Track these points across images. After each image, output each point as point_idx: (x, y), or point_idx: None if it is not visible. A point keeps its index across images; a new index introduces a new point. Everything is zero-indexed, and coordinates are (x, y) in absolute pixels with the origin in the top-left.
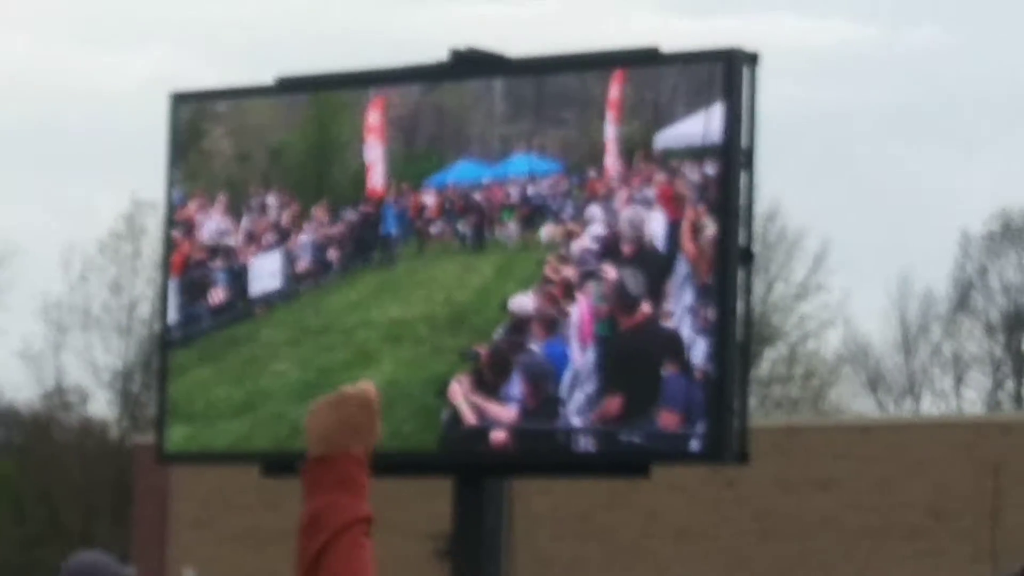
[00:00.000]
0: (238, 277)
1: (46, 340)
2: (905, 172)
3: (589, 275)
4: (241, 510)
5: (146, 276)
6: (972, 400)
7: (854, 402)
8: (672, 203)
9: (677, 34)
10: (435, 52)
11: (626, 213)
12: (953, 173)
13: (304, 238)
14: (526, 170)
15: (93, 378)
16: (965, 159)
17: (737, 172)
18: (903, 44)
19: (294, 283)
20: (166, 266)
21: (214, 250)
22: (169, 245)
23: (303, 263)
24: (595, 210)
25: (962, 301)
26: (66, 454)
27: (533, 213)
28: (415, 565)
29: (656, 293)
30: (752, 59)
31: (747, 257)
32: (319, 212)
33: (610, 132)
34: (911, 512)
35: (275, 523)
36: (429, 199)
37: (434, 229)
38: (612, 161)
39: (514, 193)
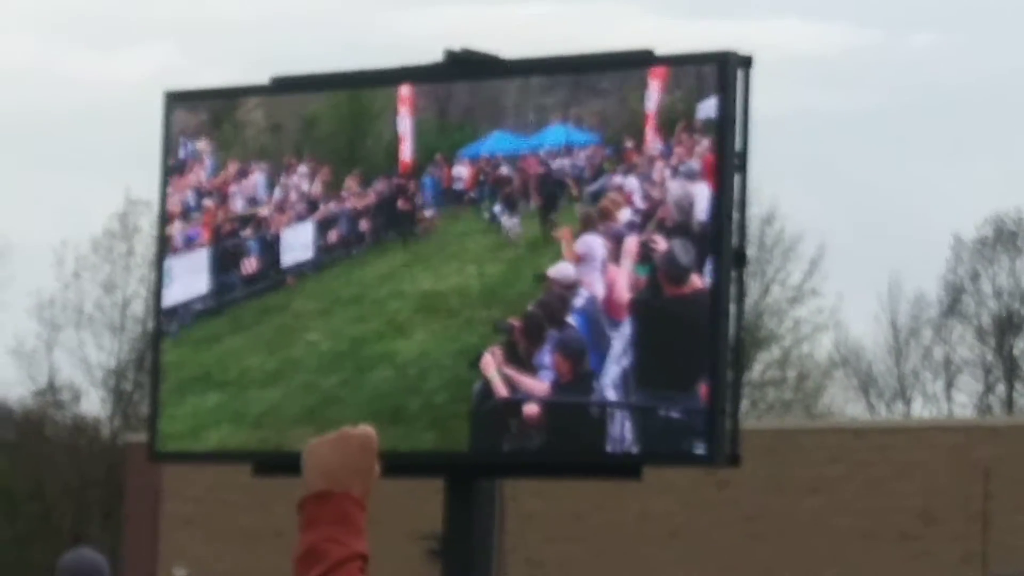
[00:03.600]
0: (270, 247)
1: (39, 338)
2: (900, 176)
3: (637, 245)
4: (232, 509)
5: (139, 275)
6: (963, 404)
7: (846, 405)
8: (715, 174)
9: (676, 37)
10: (431, 53)
11: (671, 185)
12: (946, 178)
13: (336, 208)
14: (563, 141)
15: (86, 376)
16: (958, 164)
17: (730, 174)
18: (902, 48)
19: (326, 253)
20: (159, 265)
21: (246, 220)
22: (163, 244)
23: (335, 234)
24: (633, 181)
25: (953, 305)
26: (58, 452)
27: (569, 185)
28: (407, 565)
29: (702, 265)
30: (746, 62)
31: (740, 259)
32: (351, 182)
33: (651, 102)
34: (901, 515)
35: (266, 522)
36: (463, 170)
37: (467, 200)
38: (652, 132)
39: (550, 164)
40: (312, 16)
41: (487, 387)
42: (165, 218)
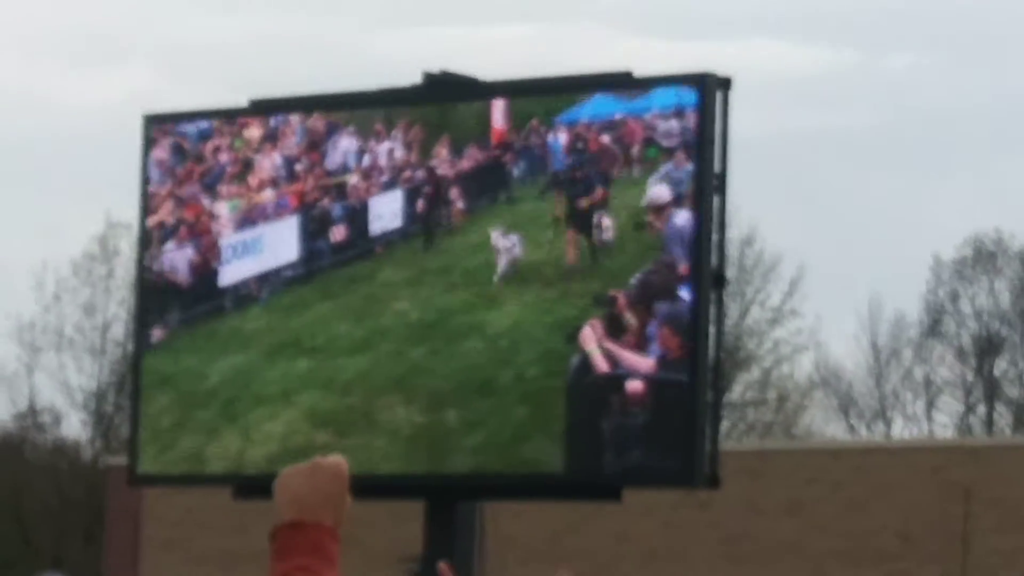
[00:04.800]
0: (359, 215)
1: (19, 361)
2: (879, 197)
3: None
4: (212, 532)
5: (119, 297)
6: (943, 424)
7: (826, 426)
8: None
9: (655, 58)
10: (412, 74)
11: None
12: (925, 198)
13: (426, 176)
14: (673, 103)
15: (66, 399)
16: (938, 185)
17: (709, 196)
18: (881, 70)
19: (415, 222)
20: (140, 287)
21: (336, 188)
22: (142, 266)
23: (424, 202)
24: None
25: (934, 326)
26: (39, 475)
27: (675, 148)
28: None
29: None
30: (725, 83)
31: (719, 281)
32: (442, 150)
33: None
34: (881, 536)
35: (246, 545)
36: (559, 136)
37: (562, 168)
38: None
39: (657, 127)
40: (291, 39)
41: (586, 362)
42: (145, 240)
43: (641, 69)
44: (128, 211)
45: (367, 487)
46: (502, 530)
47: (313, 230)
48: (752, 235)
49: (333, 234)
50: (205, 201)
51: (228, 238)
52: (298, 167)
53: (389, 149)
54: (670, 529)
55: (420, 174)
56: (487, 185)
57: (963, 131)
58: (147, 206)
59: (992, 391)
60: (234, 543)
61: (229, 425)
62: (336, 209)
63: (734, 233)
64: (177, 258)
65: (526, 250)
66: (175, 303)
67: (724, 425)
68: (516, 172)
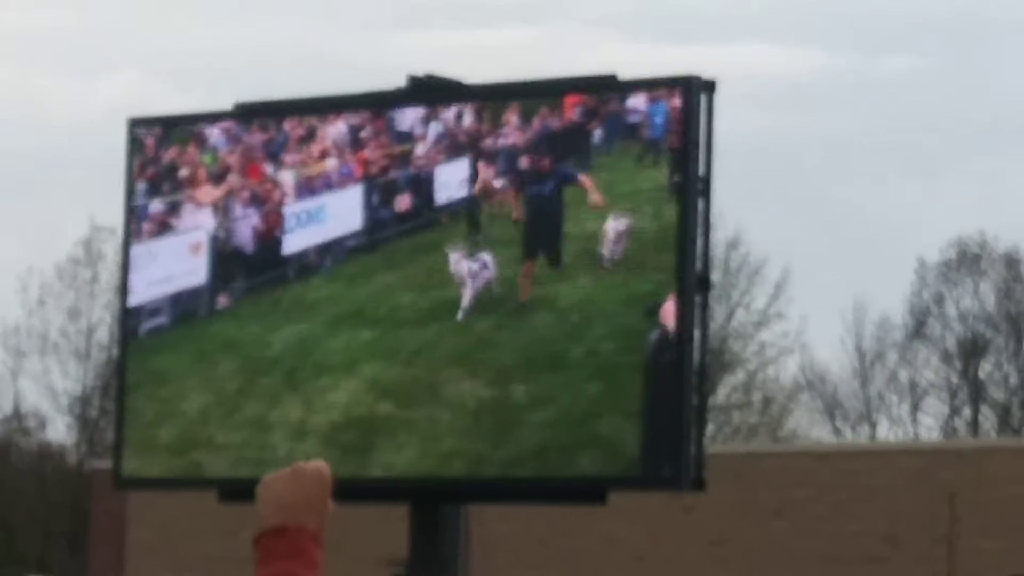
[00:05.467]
0: (424, 184)
1: (4, 365)
2: (865, 200)
3: None
4: (198, 536)
5: (104, 301)
6: (928, 427)
7: (811, 429)
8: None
9: (645, 62)
10: (398, 78)
11: None
12: (910, 201)
13: (494, 145)
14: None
15: (51, 403)
16: (922, 187)
17: (694, 199)
18: (870, 73)
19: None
20: (123, 291)
21: (401, 156)
22: (127, 270)
23: (492, 171)
24: None
25: (918, 328)
26: (24, 479)
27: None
28: None
29: None
30: (710, 86)
31: (704, 285)
32: (511, 117)
33: None
34: (867, 539)
35: (232, 550)
36: (639, 103)
37: (662, 136)
38: None
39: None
40: (281, 45)
41: (665, 338)
42: (129, 243)
43: (633, 72)
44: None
45: (350, 490)
46: (488, 533)
47: (377, 199)
48: (737, 238)
49: (398, 203)
50: (269, 169)
51: (291, 207)
52: (363, 134)
53: (457, 115)
54: (657, 532)
55: (489, 142)
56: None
57: (948, 134)
58: (132, 210)
59: (977, 393)
60: (220, 547)
61: (292, 393)
62: (401, 178)
63: (719, 236)
64: (241, 226)
65: (601, 219)
66: (240, 271)
67: (710, 428)
68: (596, 139)
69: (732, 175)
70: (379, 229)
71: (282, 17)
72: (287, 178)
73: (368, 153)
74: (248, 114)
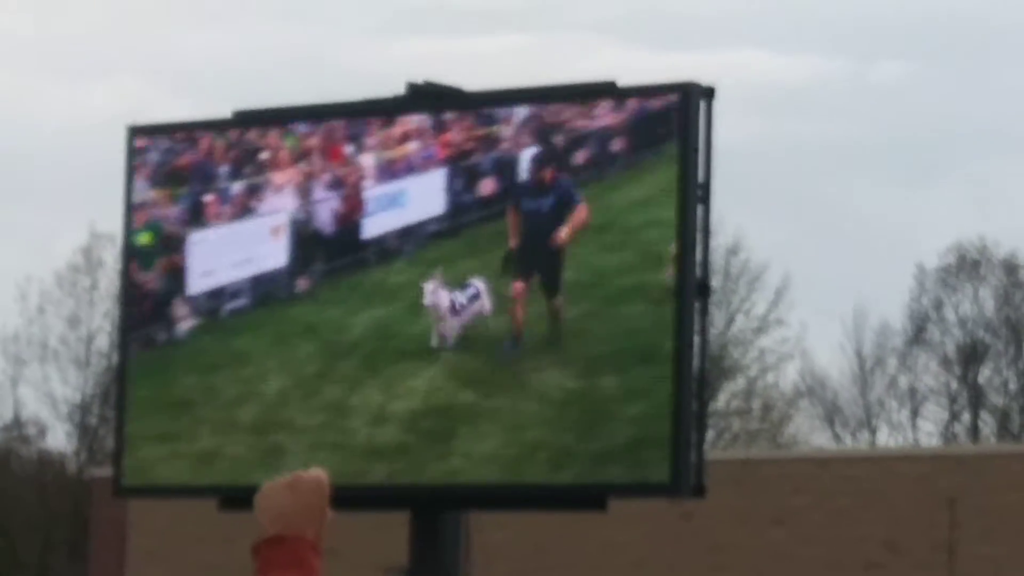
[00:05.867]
0: (508, 168)
1: (4, 373)
2: (863, 205)
3: None
4: (198, 543)
5: (103, 309)
6: (928, 432)
7: (812, 435)
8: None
9: (643, 69)
10: (398, 85)
11: None
12: (910, 206)
13: (584, 127)
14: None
15: (51, 411)
16: (921, 193)
17: (693, 205)
18: (868, 79)
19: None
20: (125, 298)
21: (485, 139)
22: (127, 277)
23: (583, 155)
24: None
25: (918, 334)
26: (24, 487)
27: None
28: None
29: None
30: (708, 93)
31: (704, 291)
32: (603, 101)
33: None
34: (867, 545)
35: (232, 557)
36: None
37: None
38: None
39: None
40: (281, 52)
41: None
42: (130, 250)
43: (631, 79)
44: (112, 222)
45: (350, 499)
46: (488, 540)
47: (460, 183)
48: (737, 244)
49: (481, 187)
50: (349, 151)
51: (371, 190)
52: (446, 117)
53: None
54: (656, 539)
55: (578, 124)
56: (654, 136)
57: (947, 139)
58: (131, 217)
59: (977, 399)
60: (220, 555)
61: (371, 378)
62: (485, 162)
63: (719, 242)
64: (322, 209)
65: None
66: (319, 254)
67: (709, 434)
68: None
69: (731, 181)
70: (461, 213)
71: (280, 23)
72: (368, 161)
73: (451, 135)
74: (247, 121)
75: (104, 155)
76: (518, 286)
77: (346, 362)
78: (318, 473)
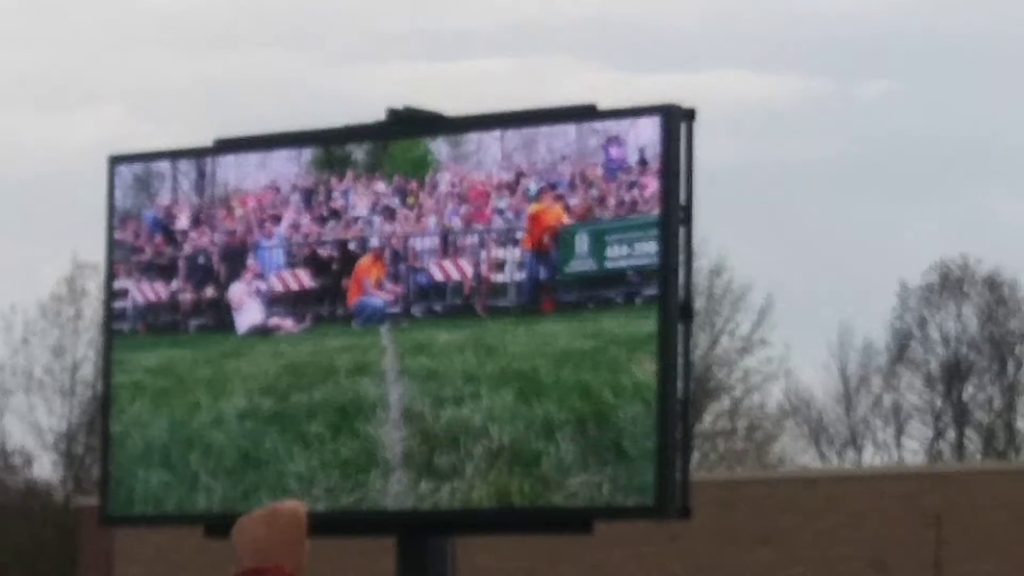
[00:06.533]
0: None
1: None
2: (846, 225)
3: None
4: (186, 571)
5: (88, 338)
6: (913, 450)
7: (797, 455)
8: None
9: (623, 91)
10: (378, 111)
11: None
12: (892, 225)
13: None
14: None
15: (37, 440)
16: (904, 211)
17: (676, 227)
18: (850, 99)
19: None
20: (108, 328)
21: None
22: (110, 307)
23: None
24: None
25: (901, 352)
26: (11, 517)
27: None
28: None
29: None
30: (689, 114)
31: (687, 313)
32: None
33: None
34: (854, 564)
35: None
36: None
37: None
38: None
39: None
40: (261, 79)
41: None
42: (112, 278)
43: (613, 101)
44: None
45: (336, 524)
46: (476, 563)
47: None
48: (721, 265)
49: None
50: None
51: None
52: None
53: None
54: (642, 561)
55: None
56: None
57: (929, 158)
58: (113, 246)
59: (961, 416)
60: None
61: None
62: None
63: (703, 263)
64: None
65: None
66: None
67: (695, 455)
68: None
69: (714, 202)
70: None
71: (259, 49)
72: None
73: None
74: (227, 149)
75: (86, 184)
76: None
77: None
78: (295, 505)
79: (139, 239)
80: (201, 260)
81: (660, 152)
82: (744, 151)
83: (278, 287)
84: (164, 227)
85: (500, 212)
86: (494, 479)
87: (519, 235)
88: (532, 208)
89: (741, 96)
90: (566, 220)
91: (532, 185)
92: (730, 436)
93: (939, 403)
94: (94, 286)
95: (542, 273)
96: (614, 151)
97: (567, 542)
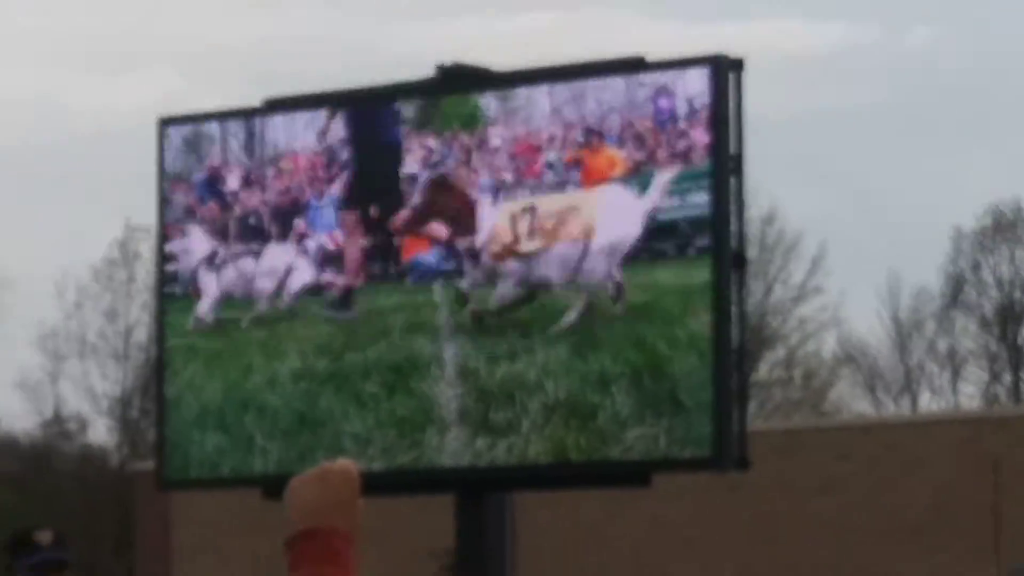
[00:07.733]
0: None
1: (43, 369)
2: (898, 171)
3: None
4: (244, 534)
5: (141, 301)
6: (970, 395)
7: (853, 403)
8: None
9: (672, 41)
10: (426, 67)
11: None
12: (945, 170)
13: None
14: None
15: (92, 405)
16: (956, 156)
17: (726, 177)
18: (899, 44)
19: None
20: (160, 291)
21: None
22: (163, 269)
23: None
24: None
25: (955, 296)
26: (67, 483)
27: None
28: None
29: None
30: (737, 64)
31: (740, 262)
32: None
33: None
34: (912, 511)
35: (277, 545)
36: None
37: None
38: None
39: None
40: (309, 38)
41: None
42: (164, 240)
43: (659, 53)
44: (147, 215)
45: (392, 483)
46: (535, 520)
47: None
48: (772, 214)
49: None
50: None
51: None
52: None
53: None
54: (702, 512)
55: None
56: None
57: (981, 102)
58: (165, 208)
59: (1017, 359)
60: (266, 545)
61: None
62: None
63: (755, 212)
64: None
65: None
66: None
67: (751, 405)
68: None
69: (765, 151)
70: None
71: (308, 9)
72: None
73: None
74: (276, 109)
75: (137, 147)
76: None
77: None
78: (346, 464)
79: (190, 201)
80: (252, 221)
81: (709, 102)
82: (794, 99)
83: (330, 246)
84: (214, 189)
85: (550, 166)
86: (550, 434)
87: (570, 189)
88: (582, 161)
89: (790, 45)
90: (616, 172)
91: (582, 138)
92: (786, 385)
93: (994, 347)
94: (146, 248)
95: None
96: (663, 102)
97: (625, 495)
